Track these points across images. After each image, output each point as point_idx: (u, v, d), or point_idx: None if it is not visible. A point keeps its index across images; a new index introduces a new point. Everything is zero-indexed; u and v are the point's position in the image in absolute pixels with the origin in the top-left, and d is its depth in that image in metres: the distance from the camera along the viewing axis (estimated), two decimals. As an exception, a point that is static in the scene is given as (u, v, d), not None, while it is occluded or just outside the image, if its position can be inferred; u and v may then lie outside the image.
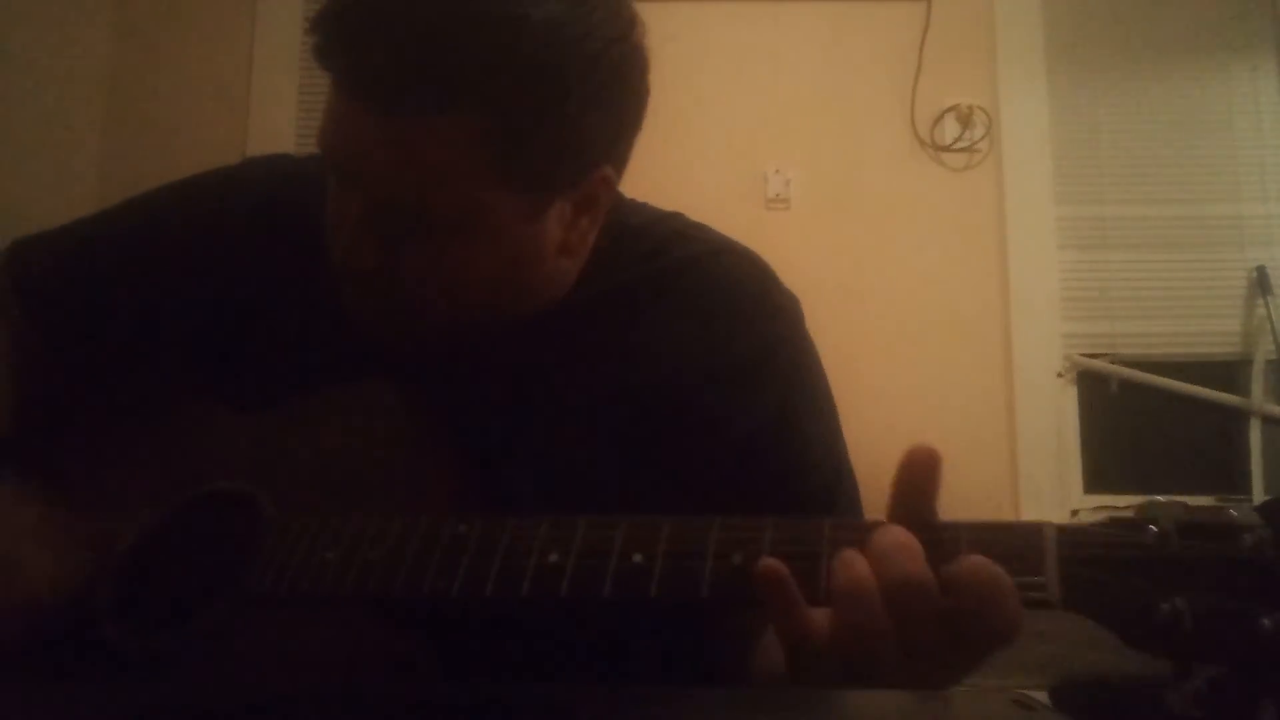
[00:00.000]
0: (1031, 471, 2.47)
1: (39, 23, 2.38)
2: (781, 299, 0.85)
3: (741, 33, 2.63)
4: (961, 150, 2.59)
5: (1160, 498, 0.52)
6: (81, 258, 0.84)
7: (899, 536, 0.52)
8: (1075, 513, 2.47)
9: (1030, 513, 2.43)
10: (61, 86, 2.48)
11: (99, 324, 0.83)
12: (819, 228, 2.55)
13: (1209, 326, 2.57)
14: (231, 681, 0.62)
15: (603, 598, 0.55)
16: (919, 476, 0.55)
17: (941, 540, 0.52)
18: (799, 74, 2.63)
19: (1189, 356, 2.57)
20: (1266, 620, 0.45)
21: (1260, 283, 2.53)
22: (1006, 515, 2.41)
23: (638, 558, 0.56)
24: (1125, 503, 2.47)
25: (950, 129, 2.60)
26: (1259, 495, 2.45)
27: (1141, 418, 2.56)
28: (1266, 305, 2.50)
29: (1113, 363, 2.56)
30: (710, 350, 0.79)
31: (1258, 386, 2.51)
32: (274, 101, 2.64)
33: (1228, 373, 2.56)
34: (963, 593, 0.50)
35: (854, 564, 0.52)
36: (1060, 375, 2.54)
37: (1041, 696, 0.55)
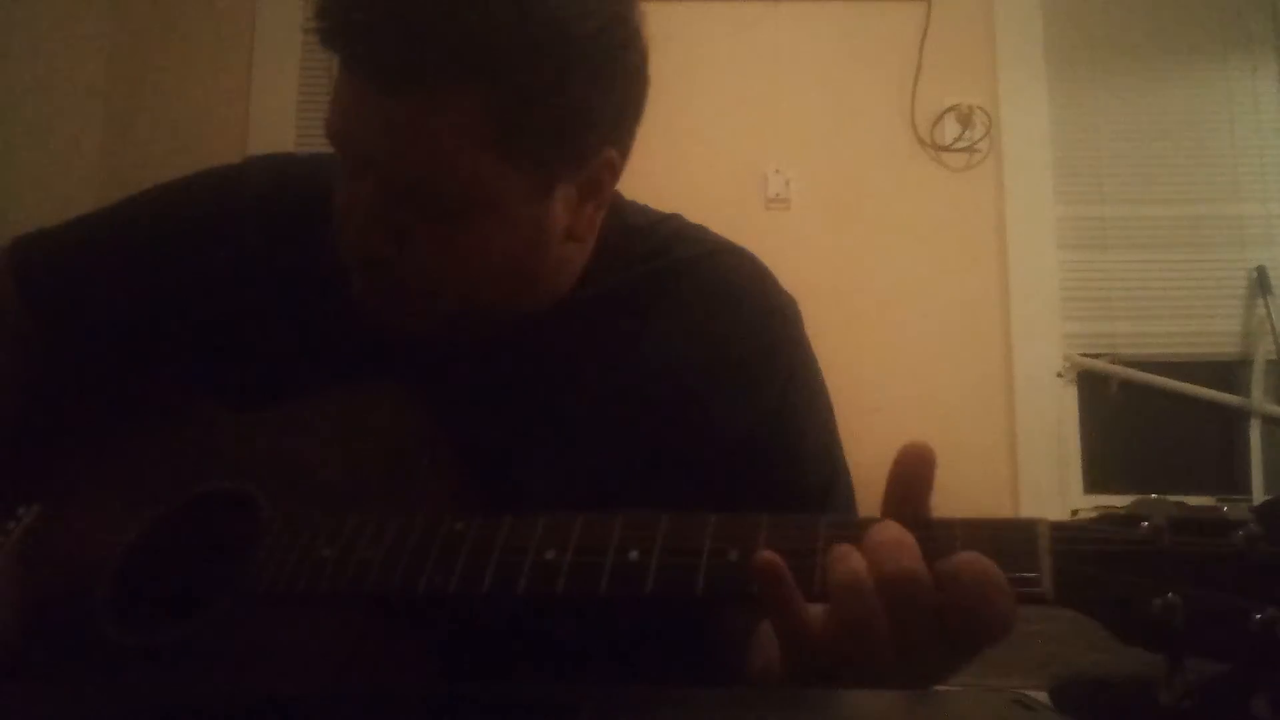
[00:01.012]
0: (1031, 471, 2.47)
1: (39, 23, 2.38)
2: (780, 300, 0.85)
3: (741, 33, 2.63)
4: (961, 150, 2.59)
5: (1155, 497, 0.52)
6: (83, 254, 0.84)
7: (894, 532, 0.53)
8: (1075, 512, 2.45)
9: (1030, 513, 2.41)
10: (61, 86, 2.48)
11: (100, 321, 0.83)
12: (819, 228, 2.55)
13: (1209, 326, 2.57)
14: (230, 681, 0.62)
15: (599, 595, 0.55)
16: (913, 473, 0.55)
17: (936, 536, 0.52)
18: (799, 74, 2.63)
19: (1189, 356, 2.57)
20: (1258, 615, 0.45)
21: (1260, 283, 2.53)
22: (1006, 515, 2.40)
23: (634, 554, 0.56)
24: (1125, 502, 2.47)
25: (950, 129, 2.60)
26: (1259, 495, 2.45)
27: (1141, 418, 2.56)
28: (1266, 305, 2.50)
29: (1113, 363, 2.56)
30: (709, 350, 0.80)
31: (1258, 386, 2.51)
32: (274, 101, 2.64)
33: (1228, 373, 2.56)
34: (957, 588, 0.50)
35: (849, 558, 0.52)
36: (1060, 375, 2.54)
37: (1041, 696, 0.55)
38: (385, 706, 0.55)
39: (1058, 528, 0.52)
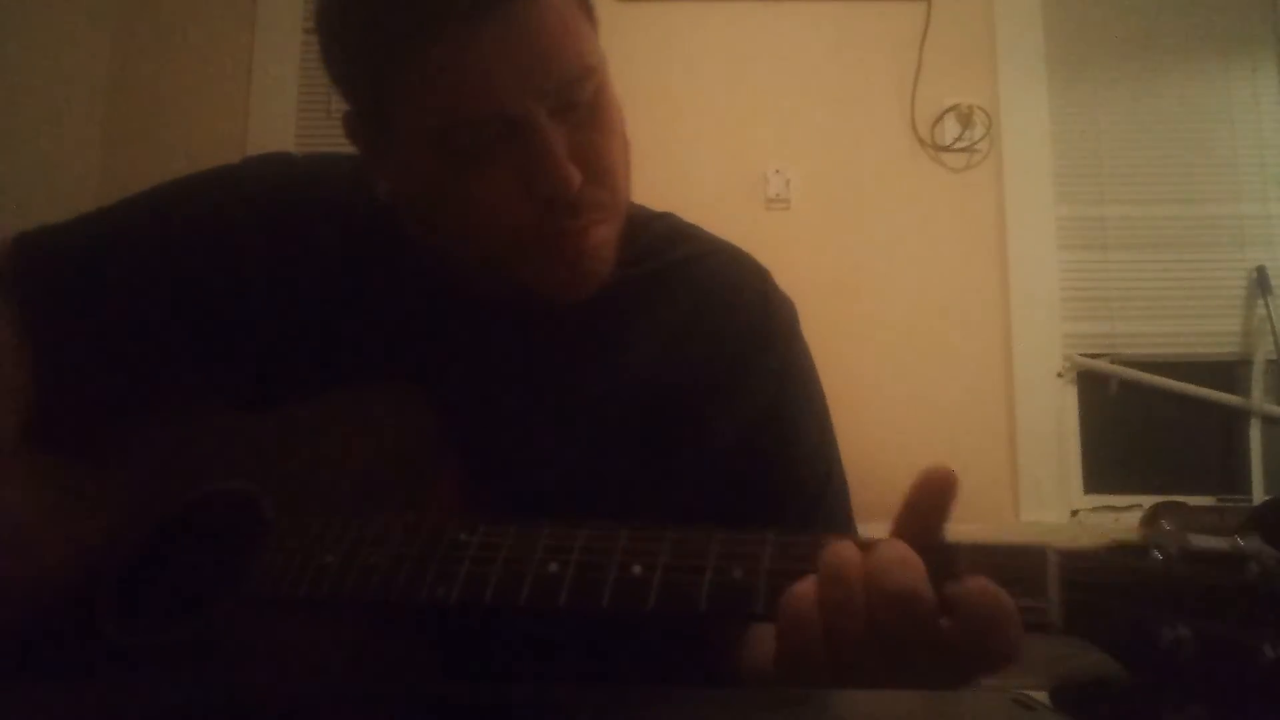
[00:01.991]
0: (1031, 471, 2.47)
1: (39, 23, 2.38)
2: (777, 299, 0.85)
3: (741, 33, 2.63)
4: (961, 150, 2.59)
5: (1163, 504, 0.52)
6: (84, 252, 0.84)
7: (901, 551, 0.51)
8: (1075, 513, 2.47)
9: (1030, 513, 2.42)
10: (61, 86, 2.48)
11: (100, 319, 0.82)
12: (819, 228, 2.55)
13: (1209, 326, 2.57)
14: (231, 681, 0.62)
15: (601, 609, 0.55)
16: (933, 497, 0.54)
17: (944, 560, 0.51)
18: (799, 74, 2.63)
19: (1189, 356, 2.57)
20: (1269, 649, 0.44)
21: (1260, 283, 2.53)
22: (1007, 515, 2.41)
23: (637, 569, 0.55)
24: (1125, 503, 2.48)
25: (950, 129, 2.60)
26: (1259, 495, 2.45)
27: (1141, 418, 2.56)
28: (1266, 305, 2.50)
29: (1113, 363, 2.56)
30: (705, 348, 0.80)
31: (1258, 386, 2.51)
32: (274, 101, 2.64)
33: (1228, 373, 2.56)
34: (964, 613, 0.49)
35: (846, 549, 0.51)
36: (1060, 375, 2.54)
37: (1041, 696, 0.55)
38: (385, 706, 0.55)
39: (1066, 556, 0.51)
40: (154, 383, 0.80)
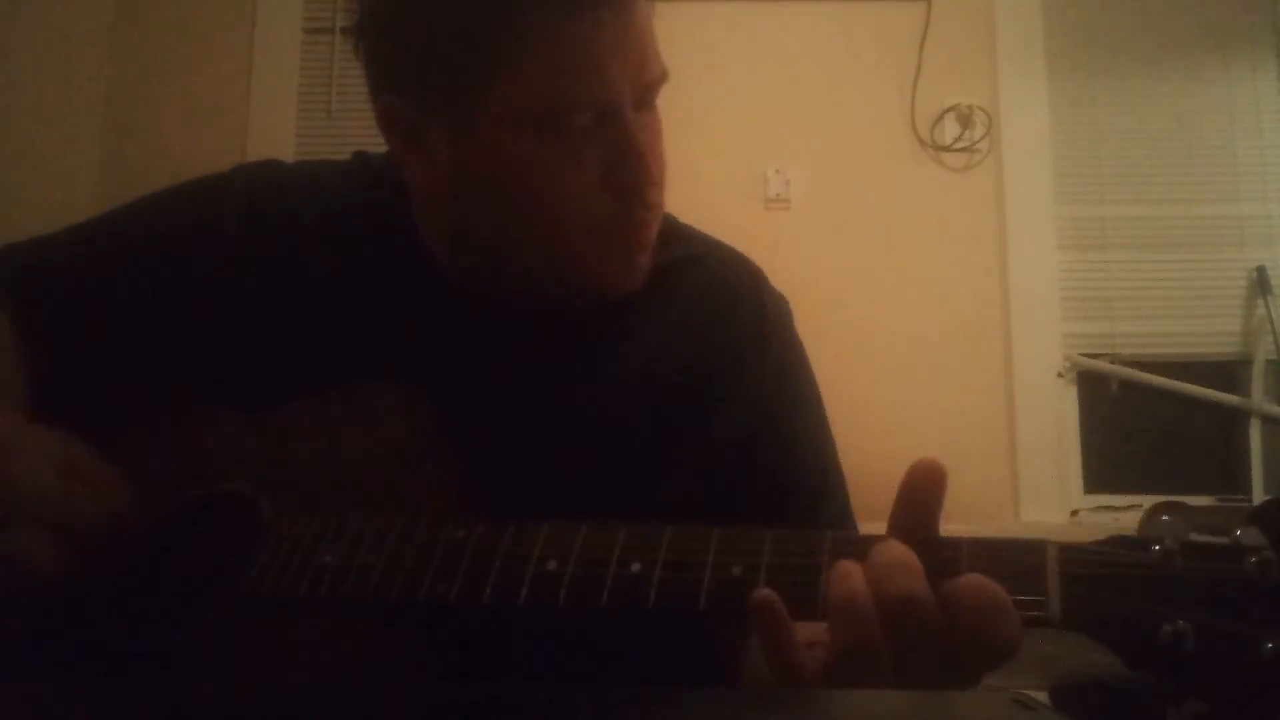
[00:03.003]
0: (1031, 471, 2.47)
1: (39, 23, 2.38)
2: (771, 300, 0.85)
3: (741, 33, 2.63)
4: (961, 150, 2.59)
5: (1163, 503, 0.52)
6: (71, 265, 0.83)
7: (898, 553, 0.52)
8: (1075, 512, 2.47)
9: (1030, 513, 2.42)
10: (61, 87, 2.48)
11: (90, 330, 0.82)
12: (819, 228, 2.55)
13: (1209, 326, 2.57)
14: (230, 682, 0.62)
15: (600, 607, 0.55)
16: (923, 491, 0.54)
17: (941, 557, 0.52)
18: (799, 74, 2.63)
19: (1189, 356, 2.57)
20: (1269, 644, 0.44)
21: (1260, 283, 2.53)
22: (1007, 515, 2.41)
23: (636, 567, 0.55)
24: (1125, 503, 2.48)
25: (950, 129, 2.60)
26: (1259, 495, 2.45)
27: (1141, 418, 2.56)
28: (1266, 305, 2.50)
29: (1113, 363, 2.56)
30: (701, 350, 0.80)
31: (1258, 386, 2.51)
32: (274, 102, 2.64)
33: (1228, 373, 2.56)
34: (961, 611, 0.49)
35: (850, 578, 0.51)
36: (1060, 375, 2.54)
37: (1041, 696, 0.55)
38: (385, 706, 0.55)
39: (1066, 550, 0.51)
40: (148, 390, 0.80)
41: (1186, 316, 2.57)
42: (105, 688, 0.61)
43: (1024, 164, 2.60)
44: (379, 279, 0.81)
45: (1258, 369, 2.51)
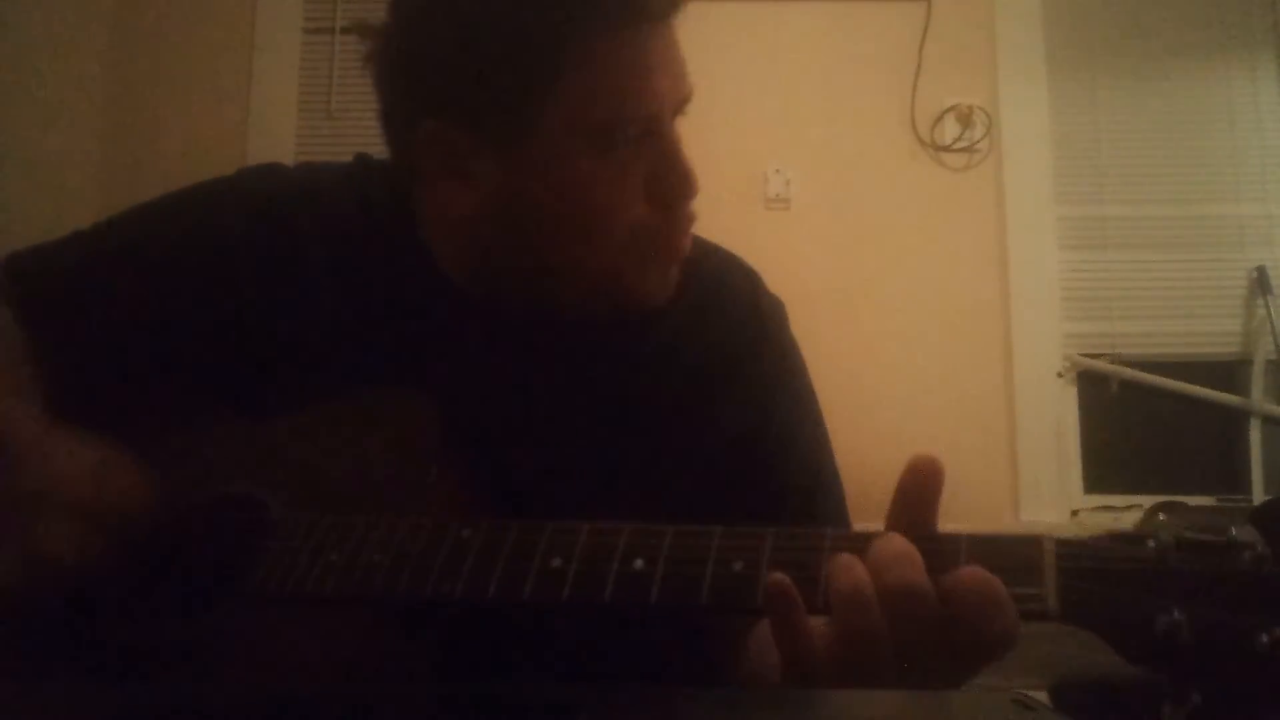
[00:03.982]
0: (1031, 471, 2.47)
1: (39, 23, 2.38)
2: (767, 303, 0.86)
3: (741, 33, 2.63)
4: (961, 150, 2.59)
5: (1162, 503, 0.52)
6: (78, 270, 0.83)
7: (899, 545, 0.52)
8: (1075, 513, 2.47)
9: (1030, 513, 2.43)
10: (61, 87, 2.48)
11: (97, 337, 0.81)
12: (819, 228, 2.55)
13: (1209, 326, 2.57)
14: (233, 681, 0.62)
15: (604, 603, 0.55)
16: (921, 486, 0.55)
17: (940, 550, 0.52)
18: (799, 74, 2.63)
19: (1189, 356, 2.57)
20: (1265, 636, 0.45)
21: (1260, 283, 2.53)
22: (1007, 515, 2.41)
23: (639, 563, 0.56)
24: (1125, 503, 2.48)
25: (950, 129, 2.60)
26: (1259, 495, 2.45)
27: (1141, 418, 2.56)
28: (1266, 305, 2.50)
29: (1113, 363, 2.56)
30: (696, 351, 0.80)
31: (1258, 386, 2.51)
32: (274, 102, 2.64)
33: (1228, 373, 2.56)
34: (960, 603, 0.50)
35: (853, 570, 0.52)
36: (1060, 375, 2.54)
37: (1041, 696, 0.55)
38: (385, 706, 0.55)
39: (1063, 544, 0.51)
40: (155, 396, 0.80)
41: (1186, 316, 2.57)
42: (106, 687, 0.61)
43: (1024, 164, 2.60)
44: (383, 283, 0.81)
45: (1258, 369, 2.51)
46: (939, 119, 2.60)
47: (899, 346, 2.50)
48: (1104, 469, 2.54)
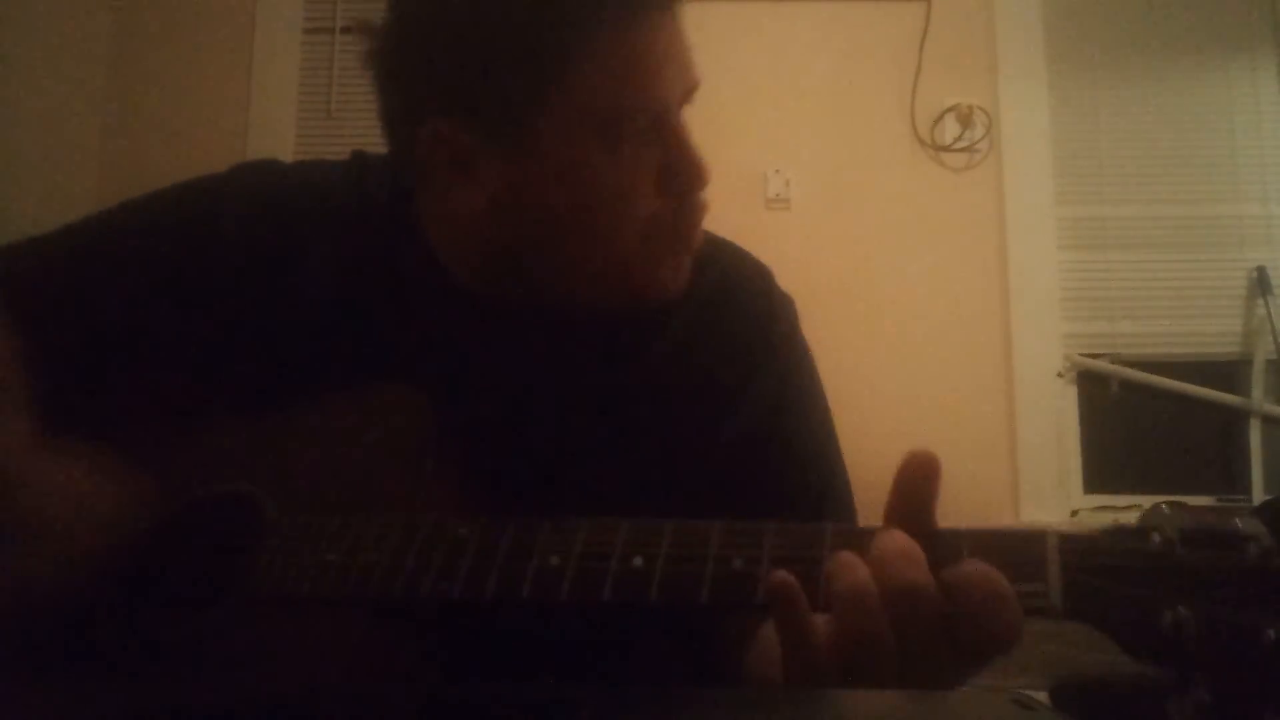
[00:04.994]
0: (1031, 471, 2.47)
1: (39, 23, 2.38)
2: (779, 300, 0.85)
3: (741, 32, 2.63)
4: (961, 150, 2.59)
5: (1164, 503, 0.51)
6: (69, 265, 0.82)
7: (900, 542, 0.52)
8: (1075, 513, 2.47)
9: (1030, 513, 2.42)
10: (61, 86, 2.48)
11: (88, 332, 0.81)
12: (819, 228, 2.55)
13: (1209, 326, 2.57)
14: (231, 681, 0.62)
15: (603, 601, 0.55)
16: (918, 482, 0.54)
17: (942, 546, 0.52)
18: (799, 74, 2.63)
19: (1189, 356, 2.57)
20: (1271, 631, 0.44)
21: (1260, 283, 2.53)
22: (1007, 515, 2.41)
23: (638, 561, 0.56)
24: (1125, 503, 2.48)
25: (950, 129, 2.60)
26: (1259, 495, 2.45)
27: (1141, 418, 2.56)
28: (1266, 305, 2.50)
29: (1113, 363, 2.56)
30: (709, 350, 0.80)
31: (1258, 386, 2.51)
32: (274, 102, 2.64)
33: (1228, 373, 2.56)
34: (963, 599, 0.50)
35: (854, 569, 0.52)
36: (1060, 375, 2.54)
37: (1041, 696, 0.55)
38: (385, 706, 0.55)
39: (1066, 539, 0.51)
40: (149, 391, 0.79)
41: (1186, 316, 2.57)
42: (105, 687, 0.61)
43: (1024, 164, 2.60)
44: (380, 279, 0.81)
45: (1258, 369, 2.51)
46: (939, 119, 2.60)
47: (899, 346, 2.49)
48: (1104, 469, 2.54)
